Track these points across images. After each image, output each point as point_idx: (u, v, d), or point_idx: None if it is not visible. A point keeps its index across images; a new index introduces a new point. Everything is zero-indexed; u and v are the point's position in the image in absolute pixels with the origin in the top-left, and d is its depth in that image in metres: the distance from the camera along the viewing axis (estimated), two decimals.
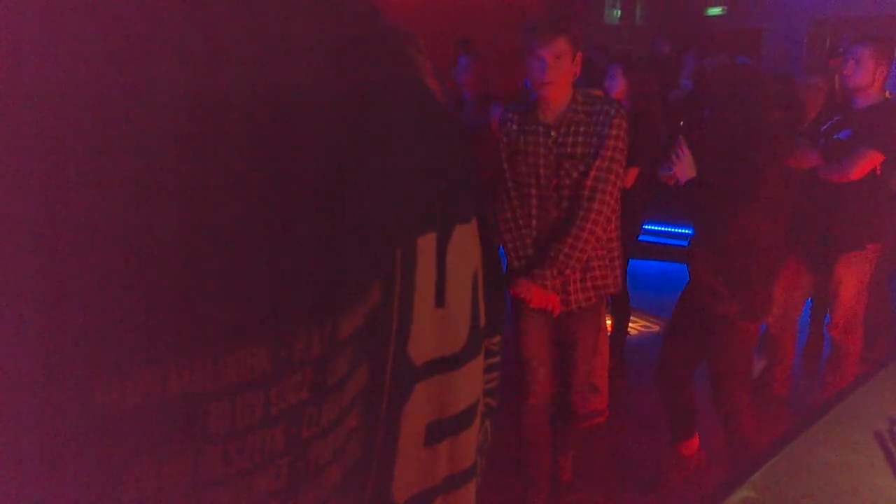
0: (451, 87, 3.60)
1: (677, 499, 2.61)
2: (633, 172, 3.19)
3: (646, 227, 4.00)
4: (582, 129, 2.23)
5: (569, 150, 2.23)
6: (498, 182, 2.36)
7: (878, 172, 2.96)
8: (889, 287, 3.78)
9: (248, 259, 0.30)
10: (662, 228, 5.17)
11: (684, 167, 2.40)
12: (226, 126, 0.29)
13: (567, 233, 2.22)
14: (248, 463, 0.32)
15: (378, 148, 0.38)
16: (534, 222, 2.30)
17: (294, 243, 0.32)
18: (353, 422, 0.38)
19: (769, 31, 7.26)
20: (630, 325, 3.86)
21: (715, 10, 7.88)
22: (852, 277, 3.04)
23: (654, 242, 4.92)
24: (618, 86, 3.38)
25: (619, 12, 9.50)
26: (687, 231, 2.79)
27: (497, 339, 0.56)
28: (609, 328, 3.48)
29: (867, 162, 2.91)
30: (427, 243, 0.42)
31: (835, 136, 3.02)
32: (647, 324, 4.34)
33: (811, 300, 3.65)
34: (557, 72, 2.15)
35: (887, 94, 3.04)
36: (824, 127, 3.09)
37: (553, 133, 2.24)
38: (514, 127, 2.31)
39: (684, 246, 2.64)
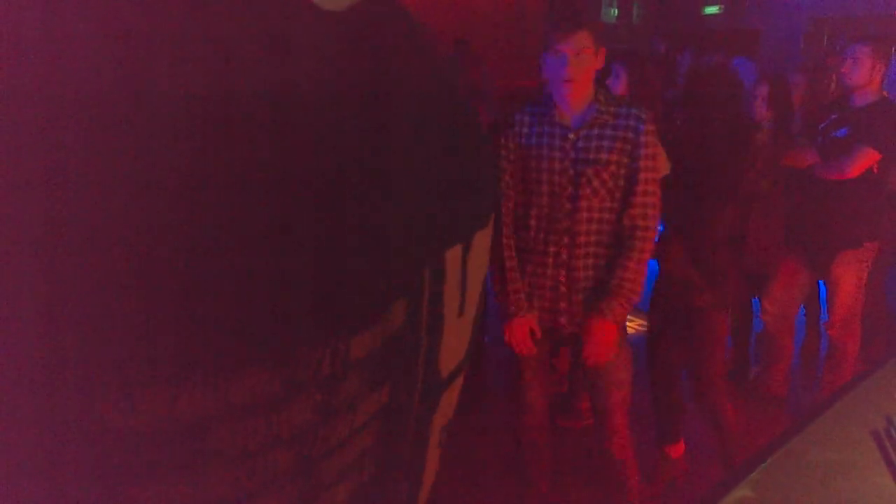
0: None
1: (663, 500, 2.62)
2: None
3: None
4: (608, 132, 2.01)
5: (591, 155, 2.01)
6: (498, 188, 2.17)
7: (876, 171, 2.97)
8: (887, 285, 3.78)
9: (253, 274, 0.29)
10: None
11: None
12: (229, 127, 0.28)
13: (628, 257, 2.00)
14: (255, 484, 0.32)
15: (399, 157, 0.37)
16: (541, 235, 2.07)
17: (304, 262, 0.31)
18: (367, 441, 0.37)
19: (767, 30, 7.27)
20: (629, 323, 3.86)
21: (712, 10, 7.88)
22: (850, 276, 3.04)
23: None
24: (620, 84, 3.37)
25: (616, 11, 9.50)
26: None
27: None
28: None
29: (864, 160, 2.91)
30: (454, 255, 0.41)
31: (832, 135, 3.02)
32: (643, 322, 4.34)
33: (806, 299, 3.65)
34: (578, 68, 1.97)
35: (885, 92, 3.04)
36: (822, 125, 3.09)
37: (572, 135, 2.02)
38: (525, 129, 2.08)
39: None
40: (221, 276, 0.28)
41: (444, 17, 5.87)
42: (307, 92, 0.32)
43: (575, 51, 1.96)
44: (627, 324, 3.82)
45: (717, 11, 7.82)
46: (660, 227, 2.56)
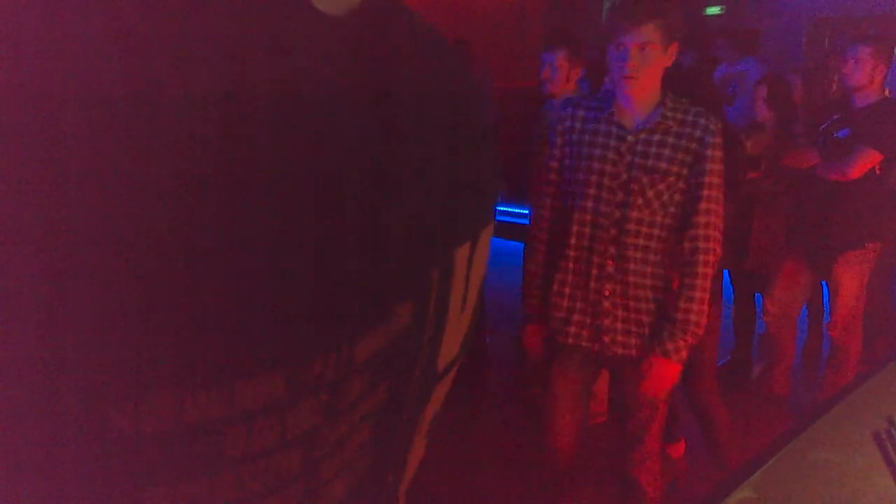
0: None
1: (664, 500, 2.62)
2: None
3: None
4: (670, 139, 1.78)
5: (650, 162, 1.79)
6: (537, 190, 1.98)
7: (878, 171, 2.96)
8: (889, 286, 3.77)
9: (262, 279, 0.29)
10: None
11: None
12: (233, 129, 0.28)
13: (691, 286, 1.80)
14: (263, 486, 0.32)
15: (407, 158, 0.37)
16: (584, 243, 1.86)
17: (311, 266, 0.31)
18: (363, 437, 0.37)
19: (768, 30, 7.26)
20: None
21: (714, 10, 7.88)
22: (852, 276, 3.04)
23: None
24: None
25: None
26: None
27: None
28: None
29: (866, 161, 2.91)
30: (462, 254, 0.41)
31: (834, 135, 3.02)
32: None
33: (810, 300, 3.65)
34: (641, 65, 1.73)
35: (886, 92, 3.03)
36: (823, 126, 3.09)
37: (630, 138, 1.80)
38: (577, 124, 1.86)
39: None
40: (229, 280, 0.28)
41: (444, 17, 5.87)
42: (310, 93, 0.31)
43: (639, 45, 1.72)
44: None
45: (718, 12, 7.81)
46: None
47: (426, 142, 0.38)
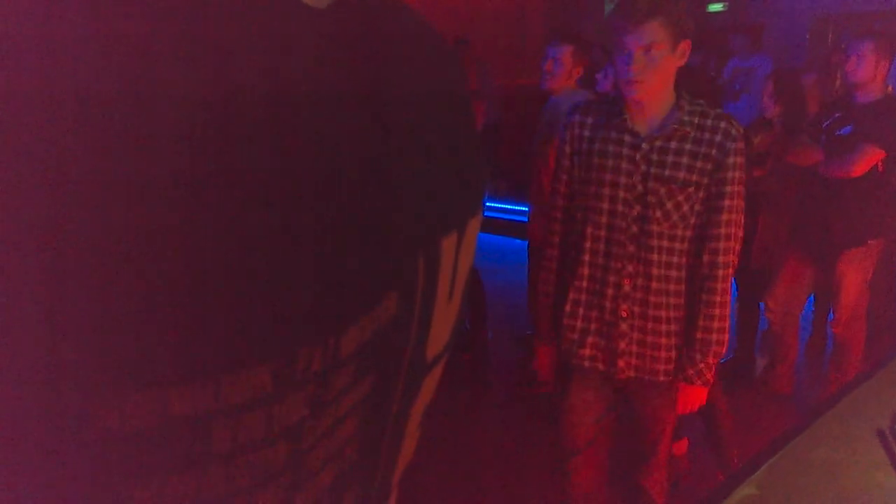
0: None
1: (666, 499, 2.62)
2: None
3: None
4: (688, 146, 1.63)
5: (666, 171, 1.64)
6: (548, 204, 1.85)
7: (880, 168, 2.96)
8: (892, 283, 3.77)
9: (251, 274, 0.29)
10: None
11: None
12: (229, 127, 0.28)
13: (711, 303, 1.68)
14: (251, 480, 0.32)
15: (397, 149, 0.37)
16: (599, 260, 1.72)
17: (299, 256, 0.31)
18: (349, 430, 0.37)
19: (771, 27, 7.25)
20: None
21: (716, 7, 7.87)
22: (855, 274, 3.04)
23: None
24: (608, 83, 3.36)
25: None
26: None
27: None
28: None
29: (869, 158, 2.90)
30: (450, 243, 0.41)
31: (836, 133, 3.01)
32: None
33: (814, 297, 3.64)
34: (648, 68, 1.58)
35: (889, 89, 3.03)
36: (826, 123, 3.09)
37: (645, 145, 1.65)
38: (587, 132, 1.72)
39: None
40: (215, 276, 0.28)
41: (444, 16, 5.87)
42: (297, 86, 0.31)
43: (643, 46, 1.58)
44: None
45: (721, 9, 7.80)
46: None
47: (413, 133, 0.38)
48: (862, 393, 1.63)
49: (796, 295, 3.21)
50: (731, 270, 1.71)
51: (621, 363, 1.75)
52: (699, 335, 1.70)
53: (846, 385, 1.79)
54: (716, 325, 1.69)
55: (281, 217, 0.30)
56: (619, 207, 1.68)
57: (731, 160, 1.63)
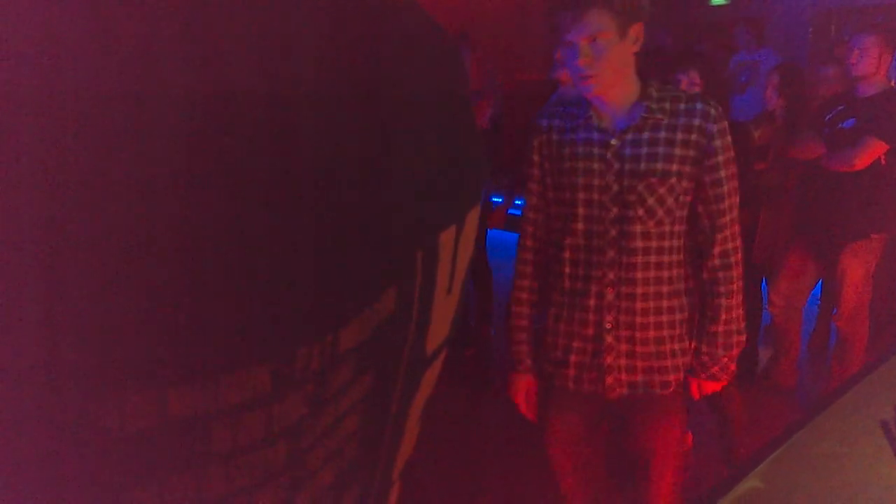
0: None
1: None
2: None
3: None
4: (663, 135, 1.49)
5: (642, 165, 1.50)
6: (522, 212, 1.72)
7: (883, 162, 2.95)
8: None
9: (250, 273, 0.29)
10: None
11: None
12: (227, 126, 0.28)
13: (729, 293, 1.60)
14: (250, 480, 0.32)
15: (395, 146, 0.37)
16: (579, 271, 1.58)
17: (297, 256, 0.31)
18: (350, 427, 0.37)
19: (773, 20, 7.22)
20: None
21: (719, 0, 7.84)
22: (858, 267, 3.03)
23: None
24: None
25: None
26: None
27: None
28: None
29: (872, 151, 2.90)
30: (448, 237, 0.41)
31: (839, 126, 3.01)
32: None
33: (821, 291, 3.64)
34: (597, 59, 1.45)
35: (892, 82, 3.02)
36: (828, 116, 3.08)
37: (614, 141, 1.52)
38: (555, 136, 1.59)
39: None
40: (215, 276, 0.28)
41: (447, 11, 5.86)
42: (286, 79, 0.31)
43: (588, 37, 1.44)
44: None
45: (723, 2, 7.77)
46: None
47: (411, 128, 0.38)
48: (865, 387, 1.64)
49: (799, 289, 3.21)
50: (739, 270, 1.61)
51: (609, 380, 1.59)
52: (721, 328, 1.61)
53: (849, 379, 1.79)
54: (734, 314, 1.61)
55: (280, 217, 0.30)
56: (596, 212, 1.54)
57: (717, 143, 1.50)
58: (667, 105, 1.51)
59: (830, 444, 1.39)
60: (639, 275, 1.54)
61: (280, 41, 0.32)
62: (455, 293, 0.44)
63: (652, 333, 1.57)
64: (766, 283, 3.32)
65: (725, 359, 1.63)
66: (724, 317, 1.61)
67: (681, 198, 1.53)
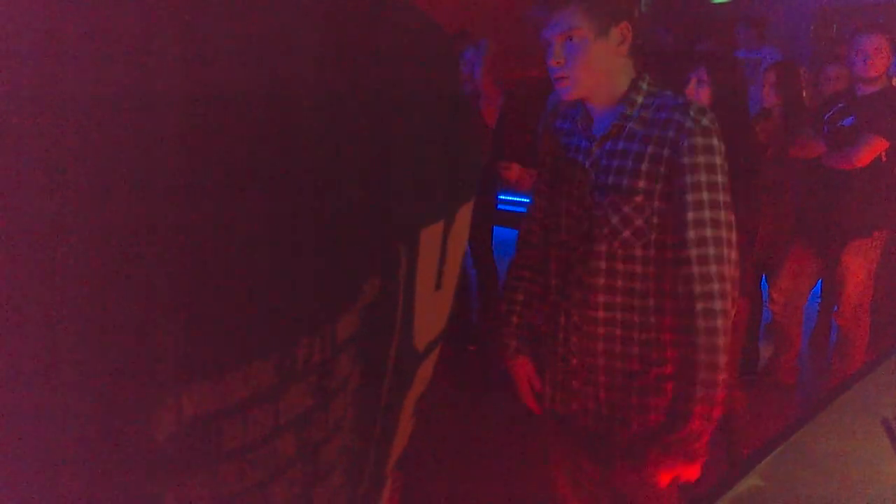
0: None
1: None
2: None
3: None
4: (635, 147, 1.33)
5: (610, 179, 1.34)
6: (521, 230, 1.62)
7: (884, 159, 2.95)
8: None
9: (251, 270, 0.30)
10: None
11: None
12: (224, 126, 0.28)
13: (693, 345, 1.28)
14: (263, 474, 0.32)
15: (393, 144, 0.37)
16: (560, 286, 1.46)
17: (296, 251, 0.31)
18: (348, 419, 0.38)
19: (776, 19, 7.21)
20: None
21: None
22: (859, 265, 3.04)
23: None
24: None
25: None
26: None
27: None
28: None
29: (872, 149, 2.90)
30: (434, 232, 0.41)
31: (839, 124, 3.01)
32: None
33: (821, 289, 3.64)
34: (571, 59, 1.33)
35: (893, 81, 3.02)
36: (828, 114, 3.08)
37: (595, 149, 1.39)
38: (560, 138, 1.50)
39: None
40: (216, 274, 0.29)
41: (446, 7, 5.85)
42: (279, 78, 0.31)
43: (561, 35, 1.33)
44: None
45: (724, 0, 7.76)
46: None
47: (406, 126, 0.38)
48: (866, 384, 1.64)
49: (800, 286, 3.21)
50: (718, 303, 1.28)
51: (575, 406, 1.45)
52: (682, 394, 1.32)
53: (851, 376, 1.80)
54: (700, 376, 1.28)
55: (279, 215, 0.31)
56: (574, 223, 1.41)
57: (685, 160, 1.28)
58: (648, 114, 1.34)
59: (831, 442, 1.39)
60: (601, 298, 1.37)
61: (276, 39, 0.31)
62: (447, 289, 0.44)
63: (618, 364, 1.39)
64: (767, 281, 3.32)
65: (688, 430, 1.30)
66: (687, 375, 1.30)
67: (654, 219, 1.32)
